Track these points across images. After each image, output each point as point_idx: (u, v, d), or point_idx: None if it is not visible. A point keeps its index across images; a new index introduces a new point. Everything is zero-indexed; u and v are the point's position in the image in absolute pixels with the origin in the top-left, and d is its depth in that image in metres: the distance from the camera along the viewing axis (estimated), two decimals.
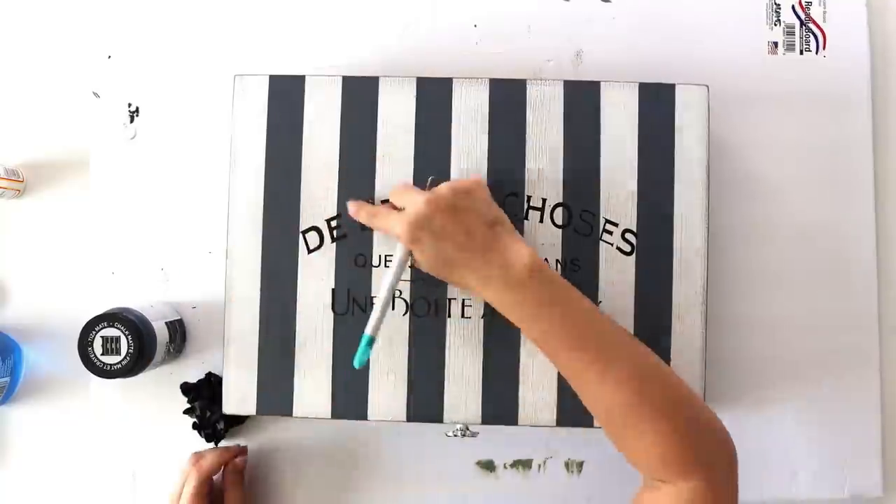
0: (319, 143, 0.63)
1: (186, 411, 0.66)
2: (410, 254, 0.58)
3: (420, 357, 0.62)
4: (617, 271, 0.62)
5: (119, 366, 0.60)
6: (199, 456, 0.64)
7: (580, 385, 0.56)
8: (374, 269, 0.62)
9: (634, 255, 0.62)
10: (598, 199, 0.62)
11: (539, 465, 0.68)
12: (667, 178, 0.62)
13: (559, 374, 0.62)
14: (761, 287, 0.69)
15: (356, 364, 0.57)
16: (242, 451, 0.66)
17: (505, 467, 0.68)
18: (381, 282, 0.59)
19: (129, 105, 0.70)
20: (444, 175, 0.62)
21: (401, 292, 0.62)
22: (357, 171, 0.63)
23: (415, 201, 0.56)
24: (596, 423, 0.59)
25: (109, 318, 0.60)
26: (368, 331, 0.58)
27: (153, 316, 0.63)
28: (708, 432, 0.54)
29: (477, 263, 0.56)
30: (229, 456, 0.65)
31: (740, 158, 0.69)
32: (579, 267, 0.62)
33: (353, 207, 0.61)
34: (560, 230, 0.62)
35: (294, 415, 0.62)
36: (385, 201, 0.62)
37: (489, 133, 0.63)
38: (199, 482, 0.62)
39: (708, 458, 0.53)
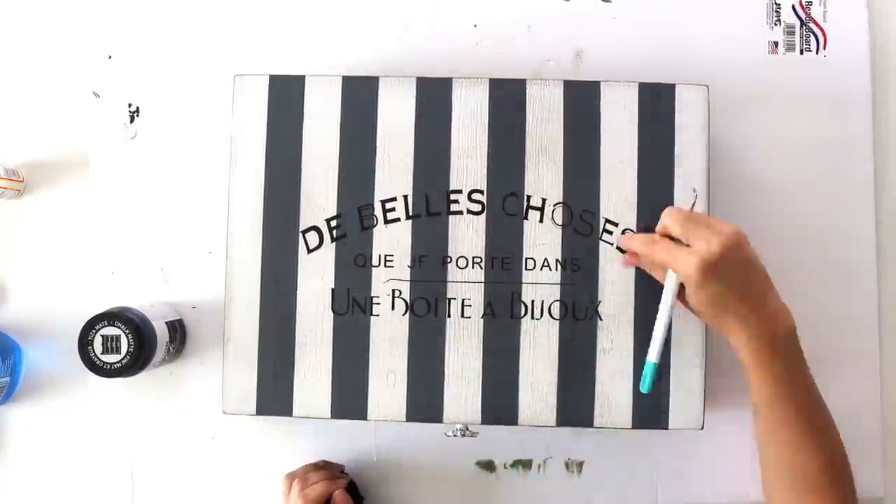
0: (319, 143, 0.63)
1: None
2: (682, 287, 0.57)
3: (420, 357, 0.62)
4: (617, 271, 0.62)
5: (119, 365, 0.60)
6: (303, 482, 0.62)
7: (781, 446, 0.57)
8: (374, 269, 0.62)
9: None
10: (598, 199, 0.62)
11: (539, 465, 0.68)
12: (667, 178, 0.62)
13: (559, 374, 0.62)
14: None
15: (645, 389, 0.59)
16: (345, 476, 0.65)
17: (505, 467, 0.68)
18: (659, 314, 0.59)
19: (129, 105, 0.70)
20: (443, 176, 0.62)
21: (401, 292, 0.62)
22: (357, 171, 0.63)
23: (709, 241, 0.55)
24: (764, 490, 0.59)
25: (110, 316, 0.60)
26: (653, 358, 0.59)
27: (153, 315, 0.63)
28: None
29: (748, 315, 0.56)
30: (335, 486, 0.63)
31: (740, 158, 0.69)
32: (579, 267, 0.62)
33: (626, 240, 0.61)
34: (560, 230, 0.62)
35: (294, 415, 0.62)
36: (385, 201, 0.62)
37: (489, 133, 0.63)
38: None
39: None
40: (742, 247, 0.56)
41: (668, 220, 0.57)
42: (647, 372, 0.59)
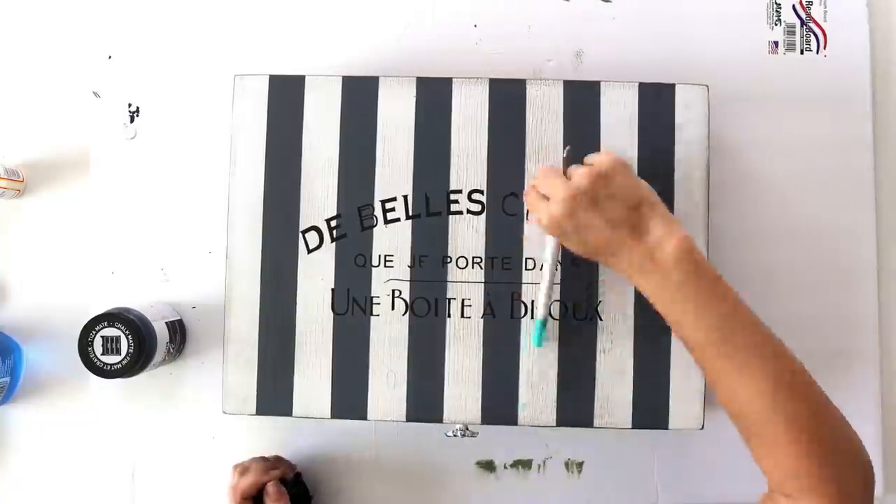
0: (319, 143, 0.63)
1: None
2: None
3: (420, 357, 0.62)
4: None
5: (119, 365, 0.60)
6: (240, 471, 0.63)
7: (715, 383, 0.53)
8: (373, 269, 0.62)
9: None
10: None
11: (539, 465, 0.68)
12: (667, 178, 0.62)
13: (559, 373, 0.62)
14: (761, 287, 0.69)
15: (536, 344, 0.60)
16: (283, 470, 0.64)
17: (505, 467, 0.68)
18: (543, 267, 0.60)
19: (129, 105, 0.70)
20: (443, 176, 0.62)
21: (401, 292, 0.62)
22: (357, 171, 0.63)
23: (555, 195, 0.55)
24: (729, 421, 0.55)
25: (109, 317, 0.60)
26: (540, 315, 0.60)
27: (153, 316, 0.63)
28: (844, 451, 0.50)
29: (622, 250, 0.55)
30: (268, 478, 0.62)
31: (740, 158, 0.69)
32: (579, 266, 0.62)
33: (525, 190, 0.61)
34: None
35: (294, 415, 0.62)
36: (385, 201, 0.62)
37: (489, 133, 0.63)
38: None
39: (841, 477, 0.49)
40: (598, 184, 0.55)
41: (538, 174, 0.59)
42: (536, 327, 0.60)
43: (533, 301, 0.62)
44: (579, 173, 0.55)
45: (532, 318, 0.62)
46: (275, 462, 0.65)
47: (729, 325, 0.53)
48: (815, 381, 0.52)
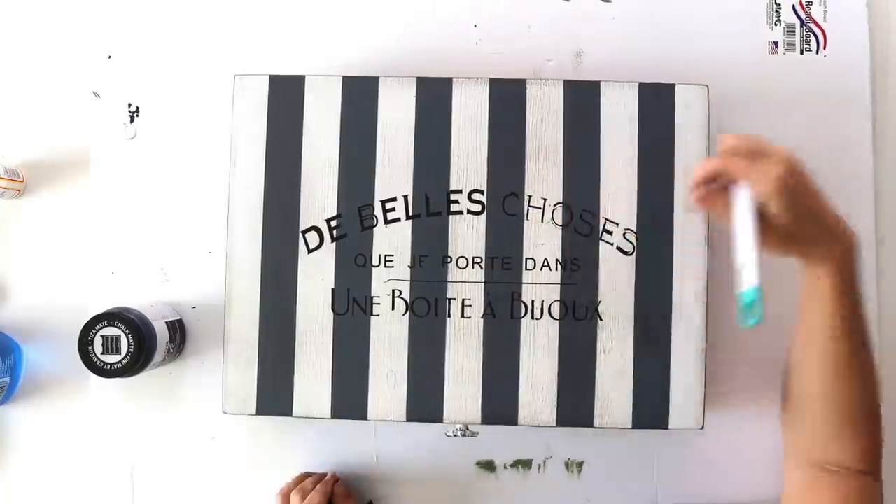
0: (319, 143, 0.63)
1: None
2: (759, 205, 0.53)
3: (420, 357, 0.62)
4: (617, 271, 0.62)
5: (119, 365, 0.60)
6: (301, 494, 0.63)
7: (838, 378, 0.57)
8: (374, 269, 0.62)
9: (634, 255, 0.62)
10: (598, 199, 0.62)
11: (539, 465, 0.68)
12: (667, 178, 0.62)
13: (559, 374, 0.62)
14: (761, 287, 0.68)
15: (758, 320, 0.50)
16: (336, 478, 0.66)
17: (505, 467, 0.68)
18: (740, 236, 0.52)
19: (129, 105, 0.70)
20: (443, 176, 0.62)
21: (401, 292, 0.62)
22: (357, 171, 0.63)
23: (776, 153, 0.52)
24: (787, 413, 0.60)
25: (110, 317, 0.60)
26: (756, 281, 0.51)
27: (153, 316, 0.63)
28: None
29: (835, 227, 0.55)
30: (329, 487, 0.64)
31: None
32: (579, 267, 0.62)
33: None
34: (560, 230, 0.62)
35: (294, 415, 0.62)
36: (385, 201, 0.62)
37: (489, 133, 0.63)
38: None
39: (882, 467, 0.58)
40: (803, 165, 0.54)
41: (728, 143, 0.53)
42: (757, 299, 0.50)
43: (533, 301, 0.62)
44: (783, 150, 0.53)
45: (533, 318, 0.62)
46: (317, 476, 0.66)
47: (866, 326, 0.57)
48: None
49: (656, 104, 0.63)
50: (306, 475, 0.66)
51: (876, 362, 0.58)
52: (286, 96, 0.63)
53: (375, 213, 0.63)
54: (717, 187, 0.54)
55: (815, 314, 0.56)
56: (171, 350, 0.65)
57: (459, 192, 0.62)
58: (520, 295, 0.62)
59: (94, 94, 0.70)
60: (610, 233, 0.62)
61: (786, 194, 0.52)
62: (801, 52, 0.70)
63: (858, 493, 0.57)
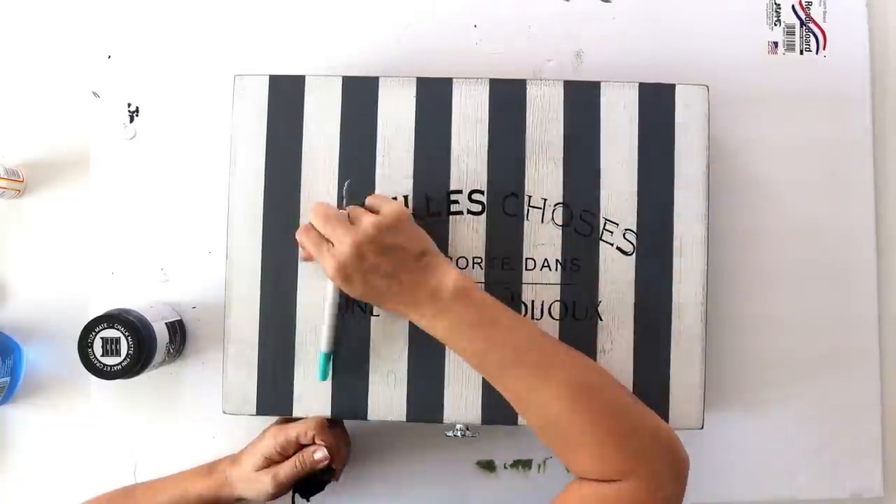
0: (319, 144, 0.63)
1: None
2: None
3: (420, 357, 0.62)
4: (617, 271, 0.62)
5: (119, 367, 0.60)
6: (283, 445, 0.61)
7: (519, 402, 0.56)
8: None
9: (634, 255, 0.62)
10: (598, 199, 0.62)
11: (539, 465, 0.68)
12: (667, 178, 0.62)
13: None
14: (761, 287, 0.69)
15: (321, 377, 0.61)
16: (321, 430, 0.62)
17: (505, 467, 0.68)
18: (326, 306, 0.60)
19: (129, 105, 0.70)
20: (443, 176, 0.62)
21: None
22: (357, 172, 0.63)
23: (342, 242, 0.55)
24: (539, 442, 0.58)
25: (109, 319, 0.60)
26: (324, 348, 0.60)
27: (153, 316, 0.63)
28: (651, 438, 0.54)
29: (406, 297, 0.56)
30: (308, 462, 0.61)
31: (740, 158, 0.69)
32: (579, 267, 0.62)
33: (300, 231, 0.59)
34: (560, 230, 0.62)
35: (294, 415, 0.62)
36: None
37: (489, 133, 0.63)
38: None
39: (650, 464, 0.53)
40: (385, 233, 0.55)
41: (310, 214, 0.58)
42: (321, 361, 0.61)
43: (533, 301, 0.62)
44: (368, 221, 0.56)
45: (533, 318, 0.62)
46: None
47: (523, 345, 0.56)
48: (614, 380, 0.57)
49: (656, 104, 0.63)
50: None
51: (559, 368, 0.55)
52: (286, 96, 0.63)
53: None
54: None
55: None
56: (171, 351, 0.65)
57: (459, 192, 0.62)
58: (520, 295, 0.62)
59: (94, 94, 0.70)
60: (610, 233, 0.62)
61: (343, 284, 0.56)
62: (801, 53, 0.70)
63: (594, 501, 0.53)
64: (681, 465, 0.54)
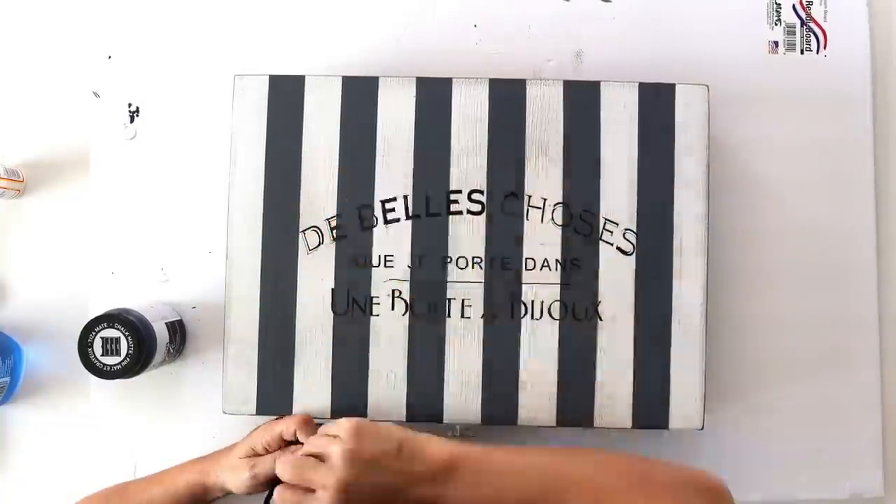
0: (319, 143, 0.63)
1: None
2: None
3: (420, 357, 0.62)
4: (617, 271, 0.62)
5: (119, 367, 0.60)
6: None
7: None
8: (374, 269, 0.62)
9: (634, 255, 0.62)
10: (598, 199, 0.62)
11: None
12: (667, 178, 0.62)
13: (559, 374, 0.62)
14: (761, 287, 0.69)
15: None
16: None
17: None
18: None
19: (129, 105, 0.70)
20: (443, 176, 0.62)
21: (401, 292, 0.62)
22: (357, 171, 0.63)
23: (325, 484, 0.52)
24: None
25: (109, 318, 0.60)
26: None
27: (153, 316, 0.63)
28: (685, 489, 0.53)
29: (406, 488, 0.53)
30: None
31: (740, 158, 0.69)
32: (579, 267, 0.62)
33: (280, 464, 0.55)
34: (560, 230, 0.62)
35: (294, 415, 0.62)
36: (385, 201, 0.62)
37: (489, 133, 0.63)
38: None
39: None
40: (354, 459, 0.53)
41: (280, 470, 0.55)
42: None
43: (533, 301, 0.62)
44: (335, 455, 0.53)
45: (533, 318, 0.62)
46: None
47: (537, 479, 0.54)
48: (644, 458, 0.57)
49: (656, 104, 0.63)
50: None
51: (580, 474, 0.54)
52: (286, 96, 0.63)
53: (375, 213, 0.63)
54: None
55: None
56: (171, 351, 0.65)
57: (459, 192, 0.62)
58: (520, 295, 0.62)
59: (94, 94, 0.70)
60: (610, 233, 0.62)
61: None
62: (802, 52, 0.70)
63: None
64: (719, 492, 0.54)
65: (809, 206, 0.69)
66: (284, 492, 0.54)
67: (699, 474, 0.55)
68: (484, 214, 0.62)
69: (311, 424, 0.61)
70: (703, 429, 0.62)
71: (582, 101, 0.63)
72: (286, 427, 0.60)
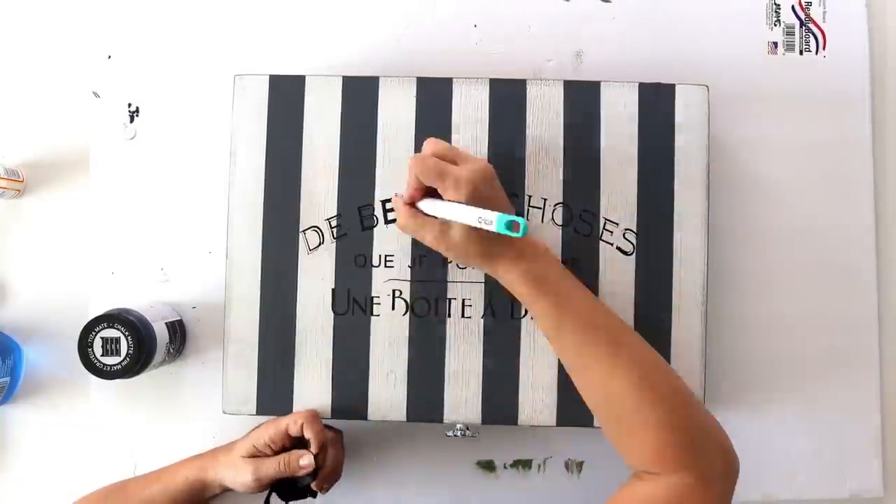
0: (319, 143, 0.63)
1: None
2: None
3: (420, 357, 0.62)
4: (617, 271, 0.62)
5: (119, 367, 0.60)
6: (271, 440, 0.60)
7: (584, 368, 0.56)
8: (374, 269, 0.62)
9: (634, 255, 0.62)
10: (598, 199, 0.62)
11: (539, 465, 0.68)
12: (667, 178, 0.62)
13: (559, 374, 0.62)
14: (761, 287, 0.69)
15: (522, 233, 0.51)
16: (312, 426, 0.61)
17: (505, 467, 0.68)
18: (456, 213, 0.54)
19: (129, 105, 0.70)
20: None
21: (401, 292, 0.62)
22: (357, 171, 0.63)
23: (466, 160, 0.55)
24: (595, 421, 0.59)
25: (109, 319, 0.60)
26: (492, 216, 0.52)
27: (153, 316, 0.63)
28: (708, 434, 0.54)
29: (517, 252, 0.56)
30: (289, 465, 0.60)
31: (740, 158, 0.69)
32: (579, 267, 0.62)
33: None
34: (560, 230, 0.62)
35: None
36: (385, 201, 0.62)
37: (489, 133, 0.63)
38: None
39: (704, 457, 0.53)
40: (491, 180, 0.56)
41: (427, 146, 0.57)
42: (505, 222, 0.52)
43: None
44: (471, 161, 0.56)
45: (533, 318, 0.62)
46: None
47: (599, 313, 0.57)
48: (672, 369, 0.57)
49: (656, 104, 0.63)
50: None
51: (637, 351, 0.55)
52: (286, 96, 0.63)
53: (375, 212, 0.63)
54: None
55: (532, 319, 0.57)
56: (171, 351, 0.65)
57: None
58: None
59: (94, 94, 0.70)
60: (610, 233, 0.62)
61: (475, 196, 0.54)
62: (801, 53, 0.70)
63: (654, 498, 0.52)
64: (733, 465, 0.54)
65: (809, 207, 0.69)
66: (425, 160, 0.55)
67: (726, 438, 0.55)
68: None
69: (318, 420, 0.61)
70: None
71: (582, 101, 0.63)
72: (292, 422, 0.60)
